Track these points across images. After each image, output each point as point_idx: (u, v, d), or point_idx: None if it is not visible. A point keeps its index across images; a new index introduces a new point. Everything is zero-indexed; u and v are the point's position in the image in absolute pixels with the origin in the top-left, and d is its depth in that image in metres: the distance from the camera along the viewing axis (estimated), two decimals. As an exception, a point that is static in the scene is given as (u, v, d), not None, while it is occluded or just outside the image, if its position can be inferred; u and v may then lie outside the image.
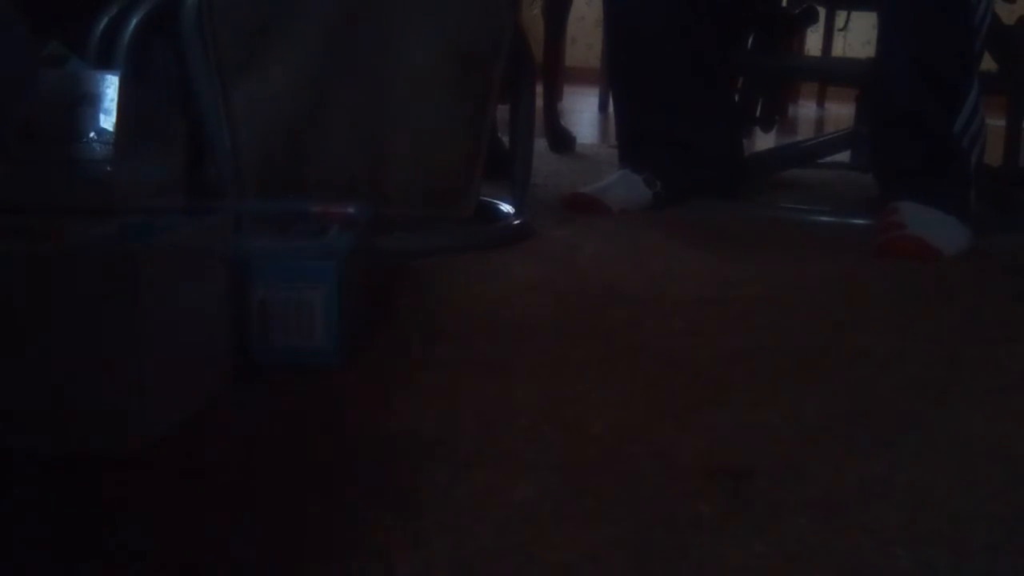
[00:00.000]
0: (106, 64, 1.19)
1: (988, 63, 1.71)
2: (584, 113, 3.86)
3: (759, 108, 2.48)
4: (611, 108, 2.01)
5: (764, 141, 2.83)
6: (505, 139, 1.59)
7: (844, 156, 2.29)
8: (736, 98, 2.27)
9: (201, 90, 1.26)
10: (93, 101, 0.93)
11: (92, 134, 0.92)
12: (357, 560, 0.57)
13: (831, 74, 2.66)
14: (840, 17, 3.20)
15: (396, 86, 1.34)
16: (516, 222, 1.50)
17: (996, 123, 1.82)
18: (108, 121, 0.93)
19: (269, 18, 1.28)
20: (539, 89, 1.76)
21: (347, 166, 1.34)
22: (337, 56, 1.31)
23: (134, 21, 1.22)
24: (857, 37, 3.63)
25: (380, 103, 1.34)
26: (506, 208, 1.54)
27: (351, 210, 1.05)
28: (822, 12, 2.77)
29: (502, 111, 1.50)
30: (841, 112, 3.91)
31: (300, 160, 1.31)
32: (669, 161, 1.79)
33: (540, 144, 1.82)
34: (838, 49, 3.88)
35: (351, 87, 1.33)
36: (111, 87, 0.93)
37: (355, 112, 1.33)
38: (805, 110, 4.51)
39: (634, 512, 0.64)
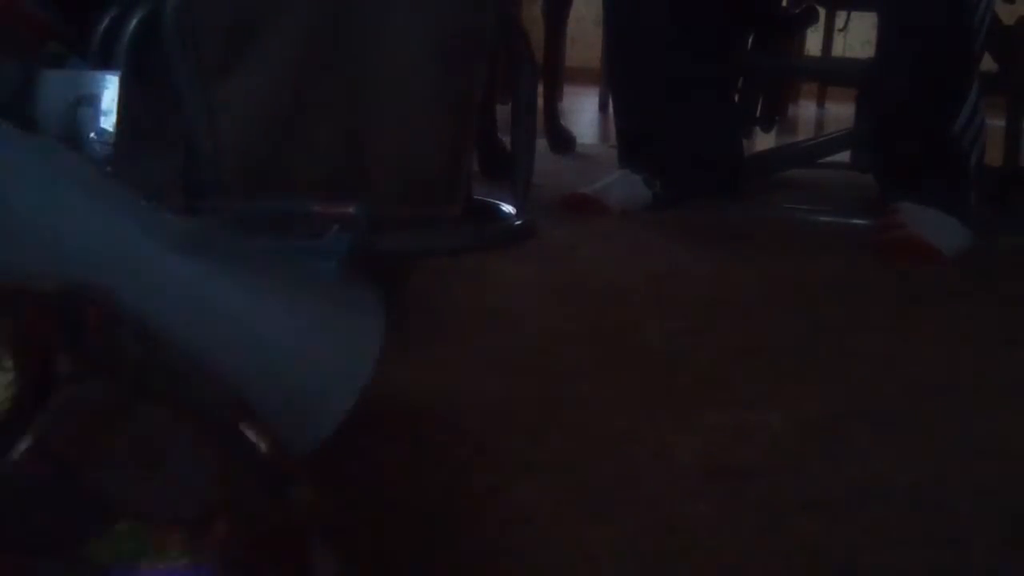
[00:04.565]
0: (106, 64, 1.19)
1: (988, 63, 1.71)
2: (584, 113, 3.86)
3: (759, 108, 2.48)
4: (611, 108, 2.01)
5: (764, 141, 2.82)
6: (506, 139, 1.59)
7: (844, 156, 2.29)
8: (736, 98, 2.27)
9: (183, 92, 1.26)
10: (93, 101, 0.93)
11: (92, 134, 0.92)
12: (357, 560, 0.57)
13: (831, 74, 2.67)
14: (840, 17, 3.20)
15: (378, 85, 1.34)
16: (517, 222, 1.50)
17: (996, 123, 1.82)
18: (108, 121, 0.93)
19: (249, 18, 1.27)
20: (539, 89, 1.76)
21: (329, 165, 1.33)
22: (318, 55, 1.31)
23: (134, 21, 1.22)
24: (857, 37, 3.62)
25: (362, 102, 1.34)
26: (507, 208, 1.54)
27: (351, 210, 1.05)
28: (822, 12, 2.77)
29: (503, 111, 1.50)
30: (841, 112, 3.91)
31: (282, 160, 1.31)
32: (669, 161, 1.79)
33: (540, 144, 1.81)
34: (838, 49, 3.88)
35: (332, 86, 1.32)
36: (111, 87, 0.93)
37: (337, 111, 1.33)
38: (805, 110, 4.50)
39: (634, 512, 0.64)
